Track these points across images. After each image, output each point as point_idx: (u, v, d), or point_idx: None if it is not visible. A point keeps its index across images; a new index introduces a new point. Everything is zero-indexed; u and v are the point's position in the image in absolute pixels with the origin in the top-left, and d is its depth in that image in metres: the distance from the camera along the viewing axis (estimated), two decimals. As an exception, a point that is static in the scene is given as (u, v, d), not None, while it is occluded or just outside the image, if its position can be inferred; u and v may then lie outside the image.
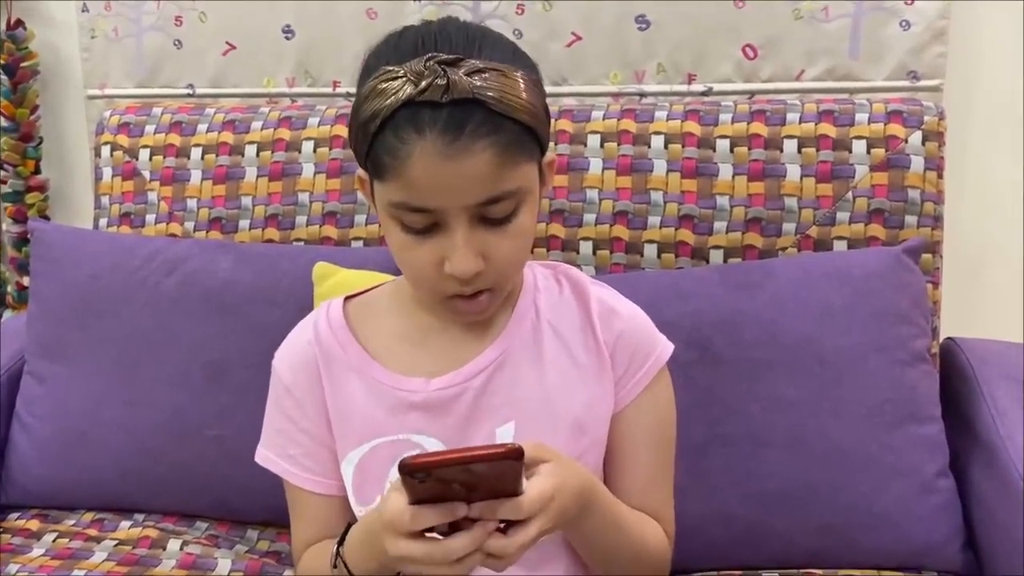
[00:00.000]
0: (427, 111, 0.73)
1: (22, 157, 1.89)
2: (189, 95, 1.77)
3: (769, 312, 1.11)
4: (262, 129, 1.39)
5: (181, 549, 1.17)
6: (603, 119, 1.28)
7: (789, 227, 1.21)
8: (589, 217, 1.26)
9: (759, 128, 1.23)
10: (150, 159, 1.43)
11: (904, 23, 1.44)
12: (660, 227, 1.24)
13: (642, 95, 1.56)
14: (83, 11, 1.81)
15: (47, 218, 1.92)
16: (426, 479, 0.66)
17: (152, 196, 1.42)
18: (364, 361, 0.88)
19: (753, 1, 1.48)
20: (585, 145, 1.27)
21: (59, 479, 1.27)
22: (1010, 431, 1.05)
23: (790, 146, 1.22)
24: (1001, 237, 1.54)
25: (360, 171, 0.82)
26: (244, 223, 1.36)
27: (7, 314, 1.95)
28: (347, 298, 0.94)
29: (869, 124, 1.21)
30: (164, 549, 1.17)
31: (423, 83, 0.72)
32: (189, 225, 1.39)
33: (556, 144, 1.27)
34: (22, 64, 1.86)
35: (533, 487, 0.71)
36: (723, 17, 1.50)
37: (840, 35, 1.47)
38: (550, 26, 1.57)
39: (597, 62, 1.57)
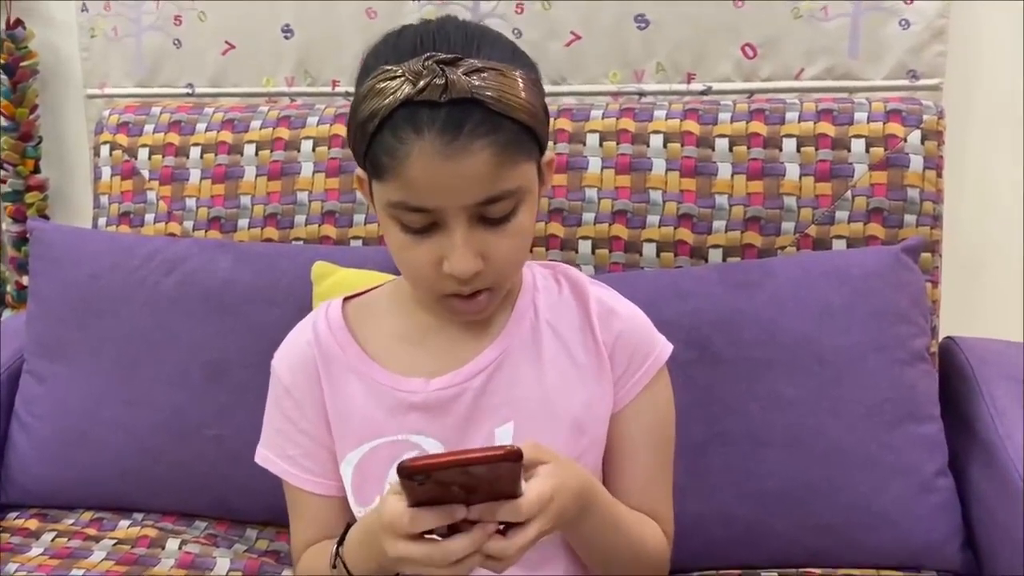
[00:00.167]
0: (426, 111, 0.72)
1: (21, 156, 1.89)
2: (188, 94, 1.76)
3: (768, 311, 1.11)
4: (261, 128, 1.39)
5: (180, 548, 1.17)
6: (602, 118, 1.28)
7: (788, 226, 1.21)
8: (588, 216, 1.25)
9: (758, 127, 1.23)
10: (149, 158, 1.43)
11: (903, 22, 1.44)
12: (659, 226, 1.24)
13: (641, 94, 1.56)
14: (83, 11, 1.80)
15: (46, 217, 1.92)
16: (425, 481, 0.66)
17: (151, 195, 1.42)
18: (363, 362, 0.88)
19: (752, 0, 1.48)
20: (584, 144, 1.27)
21: (58, 478, 1.27)
22: (1009, 430, 1.05)
23: (789, 145, 1.22)
24: (1001, 236, 1.54)
25: (359, 170, 0.82)
26: (243, 222, 1.36)
27: (7, 313, 1.95)
28: (346, 299, 0.94)
29: (868, 123, 1.21)
30: (163, 548, 1.17)
31: (421, 83, 0.72)
32: (188, 224, 1.39)
33: (555, 143, 1.27)
34: (22, 63, 1.86)
35: (532, 488, 0.71)
36: (722, 16, 1.50)
37: (839, 34, 1.47)
38: (549, 25, 1.57)
39: (596, 61, 1.56)
